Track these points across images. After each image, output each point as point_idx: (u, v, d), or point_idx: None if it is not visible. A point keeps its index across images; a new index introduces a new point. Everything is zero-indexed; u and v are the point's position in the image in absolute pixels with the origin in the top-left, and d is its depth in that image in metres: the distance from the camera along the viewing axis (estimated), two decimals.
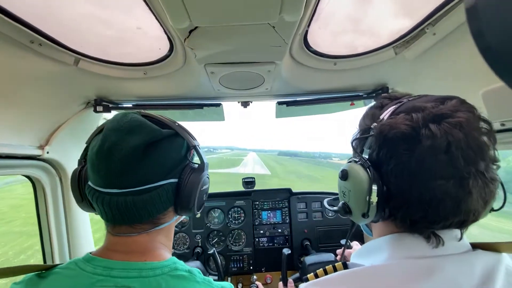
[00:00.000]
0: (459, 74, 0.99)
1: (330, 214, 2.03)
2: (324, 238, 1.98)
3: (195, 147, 0.69)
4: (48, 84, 1.04)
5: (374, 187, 0.54)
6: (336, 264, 0.70)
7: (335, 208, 0.69)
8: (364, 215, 0.57)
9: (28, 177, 1.17)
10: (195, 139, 0.70)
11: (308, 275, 0.71)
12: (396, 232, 0.59)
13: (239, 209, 2.03)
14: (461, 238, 0.55)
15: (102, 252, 0.62)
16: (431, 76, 1.11)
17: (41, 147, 1.13)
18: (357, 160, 0.60)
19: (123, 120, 0.61)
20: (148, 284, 0.55)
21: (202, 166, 0.70)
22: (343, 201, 0.65)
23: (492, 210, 0.55)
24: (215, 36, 0.78)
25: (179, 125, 0.68)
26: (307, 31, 0.93)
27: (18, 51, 0.87)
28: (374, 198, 0.54)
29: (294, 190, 2.10)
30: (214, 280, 0.64)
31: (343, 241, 1.42)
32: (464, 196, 0.48)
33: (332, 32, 1.02)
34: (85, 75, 1.08)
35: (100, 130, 0.65)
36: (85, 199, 0.68)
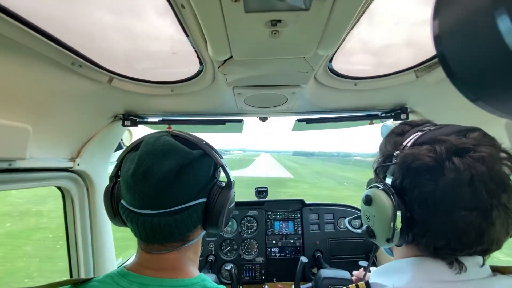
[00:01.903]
0: None
1: (342, 227, 2.05)
2: (336, 250, 1.99)
3: (222, 166, 0.71)
4: (83, 101, 1.10)
5: (398, 213, 0.56)
6: (359, 283, 0.72)
7: (358, 230, 0.72)
8: (389, 240, 0.59)
9: (58, 187, 1.22)
10: (222, 157, 0.73)
11: None
12: (418, 256, 0.60)
13: (252, 218, 2.06)
14: (483, 265, 0.57)
15: (135, 267, 0.65)
16: (452, 100, 1.13)
17: (73, 160, 1.18)
18: (379, 186, 0.62)
19: (157, 143, 0.63)
20: None
21: (229, 184, 0.71)
22: (367, 225, 0.67)
23: None
24: (248, 65, 0.82)
25: (206, 143, 0.71)
26: (332, 56, 0.97)
27: (59, 72, 0.93)
28: (398, 225, 0.56)
29: (307, 202, 2.12)
30: None
31: (361, 263, 1.43)
32: (487, 227, 0.50)
33: (355, 56, 1.05)
34: (116, 92, 1.13)
35: (131, 148, 0.68)
36: (117, 215, 0.70)
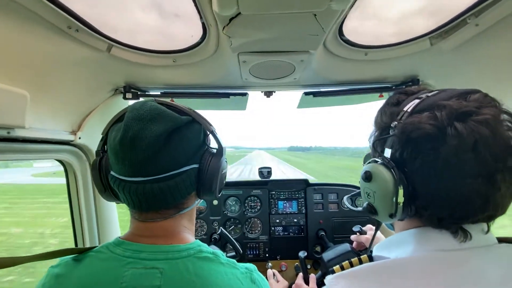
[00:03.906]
0: (498, 70, 0.96)
1: (345, 206, 2.04)
2: (339, 229, 2.00)
3: (212, 132, 0.70)
4: (81, 70, 1.06)
5: (400, 188, 0.54)
6: (361, 256, 0.71)
7: (359, 208, 0.69)
8: (392, 216, 0.57)
9: (60, 161, 1.20)
10: (211, 125, 0.72)
11: (334, 268, 0.72)
12: (421, 226, 0.59)
13: (255, 198, 2.06)
14: (488, 231, 0.56)
15: (130, 236, 0.65)
16: (466, 69, 1.08)
17: (74, 133, 1.16)
18: (378, 160, 0.59)
19: (143, 108, 0.62)
20: (176, 266, 0.58)
21: (220, 151, 0.71)
22: (367, 202, 0.64)
23: None
24: (255, 24, 0.77)
25: (194, 111, 0.70)
26: (343, 20, 0.91)
27: (55, 36, 0.88)
28: (400, 199, 0.54)
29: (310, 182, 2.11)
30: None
31: (354, 228, 1.42)
32: (493, 193, 0.49)
33: (367, 21, 0.99)
34: (116, 61, 1.09)
35: (115, 120, 0.67)
36: (107, 189, 0.70)
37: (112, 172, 0.64)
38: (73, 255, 0.63)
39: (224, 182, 0.78)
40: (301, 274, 1.36)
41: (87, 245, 1.31)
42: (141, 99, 1.29)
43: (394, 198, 0.54)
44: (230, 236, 1.66)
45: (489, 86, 1.05)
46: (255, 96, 1.46)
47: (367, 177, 0.60)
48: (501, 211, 0.52)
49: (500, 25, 0.83)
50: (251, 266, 0.69)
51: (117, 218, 1.48)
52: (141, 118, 0.60)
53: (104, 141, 0.71)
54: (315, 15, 0.74)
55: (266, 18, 0.73)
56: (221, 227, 1.67)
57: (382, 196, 0.57)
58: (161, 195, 0.61)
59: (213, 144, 0.75)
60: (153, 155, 0.58)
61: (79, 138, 1.16)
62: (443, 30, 0.98)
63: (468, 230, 0.53)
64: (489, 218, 0.54)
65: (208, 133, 0.72)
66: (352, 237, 1.26)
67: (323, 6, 0.66)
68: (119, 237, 0.65)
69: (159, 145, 0.59)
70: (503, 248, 0.55)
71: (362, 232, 1.34)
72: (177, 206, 0.67)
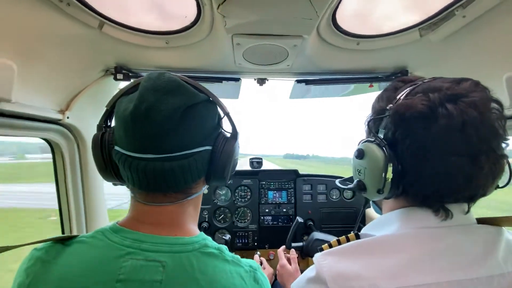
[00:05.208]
0: (482, 59, 1.00)
1: (334, 197, 2.09)
2: (327, 220, 2.04)
3: (227, 114, 0.68)
4: (71, 47, 1.03)
5: (390, 165, 0.57)
6: (349, 235, 0.74)
7: (350, 186, 0.72)
8: (379, 191, 0.60)
9: (47, 141, 1.18)
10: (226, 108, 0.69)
11: (323, 245, 0.74)
12: (406, 207, 0.62)
13: (246, 187, 2.07)
14: (468, 212, 0.59)
15: (130, 222, 0.60)
16: (454, 61, 1.12)
17: (62, 112, 1.13)
18: (372, 139, 0.62)
19: (161, 79, 0.58)
20: (179, 260, 0.54)
21: (235, 135, 0.68)
22: (357, 179, 0.67)
23: (497, 187, 0.59)
24: (250, 3, 0.78)
25: (209, 91, 0.66)
26: (337, 7, 0.93)
27: (46, 9, 0.86)
28: (389, 175, 0.57)
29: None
30: None
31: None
32: (476, 172, 0.52)
33: (360, 10, 1.01)
34: (108, 40, 1.07)
35: (122, 93, 0.62)
36: (108, 167, 0.63)
37: (117, 148, 0.59)
38: (61, 241, 0.57)
39: (235, 168, 0.74)
40: (284, 255, 1.35)
41: (74, 229, 1.29)
42: (132, 80, 1.27)
43: (383, 174, 0.57)
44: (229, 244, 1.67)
45: (477, 77, 1.09)
46: (248, 98, 1.46)
47: (359, 154, 0.64)
48: (482, 191, 0.56)
49: (487, 16, 0.86)
50: (254, 264, 0.66)
51: (105, 203, 1.46)
52: (158, 89, 0.55)
53: (108, 114, 0.66)
54: None
55: None
56: (229, 236, 1.69)
57: (372, 172, 0.61)
58: (171, 175, 0.57)
59: (226, 127, 0.71)
60: (167, 130, 0.54)
61: (67, 117, 1.14)
62: (432, 21, 1.01)
63: (450, 209, 0.57)
64: (470, 198, 0.57)
65: (223, 115, 0.68)
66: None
67: None
68: (117, 223, 0.60)
69: (175, 120, 0.54)
70: (480, 229, 0.59)
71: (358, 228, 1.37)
72: (186, 190, 0.62)
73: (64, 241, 0.57)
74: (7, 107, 0.86)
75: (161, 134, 0.54)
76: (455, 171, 0.52)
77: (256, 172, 2.12)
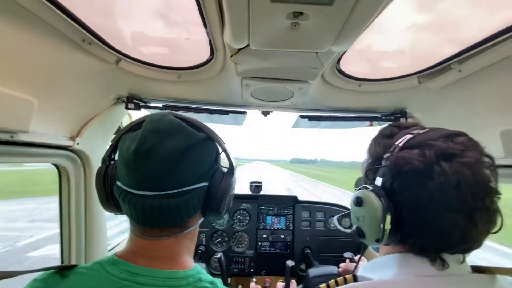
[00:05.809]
0: (479, 110, 1.05)
1: (332, 225, 2.09)
2: (324, 248, 2.04)
3: (225, 151, 0.70)
4: (87, 80, 1.09)
5: (388, 215, 0.59)
6: (346, 276, 0.75)
7: (348, 230, 0.74)
8: (378, 241, 0.61)
9: (56, 166, 1.21)
10: (224, 143, 0.71)
11: (321, 286, 0.76)
12: (403, 252, 0.64)
13: (244, 212, 2.08)
14: (463, 261, 0.61)
15: (128, 255, 0.62)
16: (450, 108, 1.17)
17: (72, 138, 1.16)
18: (369, 187, 0.64)
19: (163, 122, 0.60)
20: None
21: (232, 170, 0.70)
22: (356, 225, 0.68)
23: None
24: (261, 56, 0.84)
25: (209, 128, 0.68)
26: (341, 56, 0.99)
27: (69, 48, 0.91)
28: (387, 226, 0.59)
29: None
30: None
31: (346, 254, 1.47)
32: (471, 229, 0.54)
33: (362, 57, 1.08)
34: (123, 73, 1.12)
35: (129, 129, 0.65)
36: (110, 199, 0.67)
37: (118, 183, 0.61)
38: (60, 271, 0.58)
39: (232, 202, 0.76)
40: (280, 283, 1.36)
41: (73, 255, 1.29)
42: (143, 110, 1.32)
43: (382, 225, 0.59)
44: (224, 264, 1.64)
45: (470, 124, 1.15)
46: (253, 112, 1.51)
47: (358, 202, 0.65)
48: (477, 244, 0.58)
49: (482, 73, 0.92)
50: None
51: (106, 230, 1.46)
52: (159, 131, 0.58)
53: (112, 149, 0.69)
54: (316, 53, 0.81)
55: (273, 52, 0.80)
56: (221, 254, 1.63)
57: (371, 222, 0.62)
58: (168, 212, 0.59)
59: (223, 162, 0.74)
60: (166, 171, 0.57)
61: (77, 144, 1.17)
62: (430, 71, 1.07)
63: (446, 259, 0.59)
64: (466, 250, 0.59)
65: (221, 151, 0.71)
66: (342, 264, 1.29)
67: (324, 49, 0.73)
68: (115, 254, 0.61)
69: (174, 160, 0.57)
70: (475, 277, 0.61)
71: (353, 260, 1.38)
72: (182, 225, 0.64)
73: (63, 271, 0.59)
74: (23, 137, 0.89)
75: (160, 173, 0.57)
76: (451, 228, 0.55)
77: (256, 197, 2.13)
